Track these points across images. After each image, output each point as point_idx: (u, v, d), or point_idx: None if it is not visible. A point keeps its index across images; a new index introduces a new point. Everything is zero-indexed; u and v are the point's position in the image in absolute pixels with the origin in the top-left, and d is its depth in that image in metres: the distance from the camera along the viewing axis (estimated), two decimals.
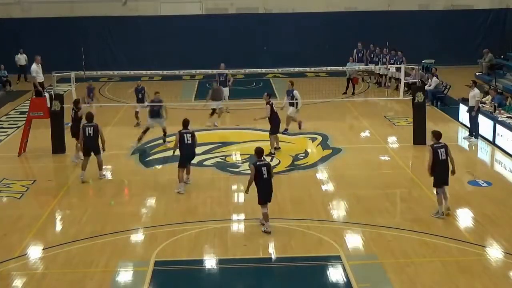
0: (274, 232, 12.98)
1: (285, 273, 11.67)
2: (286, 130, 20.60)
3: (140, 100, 22.22)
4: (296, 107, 20.68)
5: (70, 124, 18.67)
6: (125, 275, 11.55)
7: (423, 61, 30.42)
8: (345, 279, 11.09)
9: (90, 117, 16.65)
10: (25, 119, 20.66)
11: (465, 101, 21.41)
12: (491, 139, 19.58)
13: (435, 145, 13.55)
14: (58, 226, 14.04)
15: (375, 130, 21.64)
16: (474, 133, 20.12)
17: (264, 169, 12.87)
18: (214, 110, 22.32)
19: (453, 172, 13.68)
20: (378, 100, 27.12)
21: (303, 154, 18.91)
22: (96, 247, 12.58)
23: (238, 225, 14.00)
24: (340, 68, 25.41)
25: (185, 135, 15.48)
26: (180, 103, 24.57)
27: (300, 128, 20.49)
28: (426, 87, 23.75)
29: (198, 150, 16.81)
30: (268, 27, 35.30)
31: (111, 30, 35.46)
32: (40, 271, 11.64)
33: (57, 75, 19.71)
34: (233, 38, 34.89)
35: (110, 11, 35.05)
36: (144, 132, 19.70)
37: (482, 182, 16.17)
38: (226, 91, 23.80)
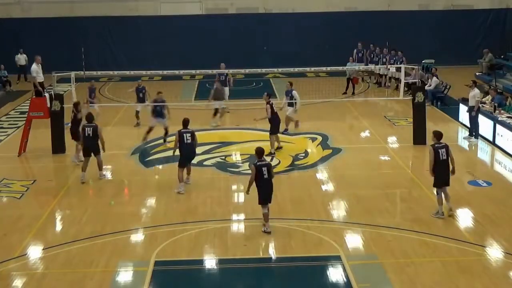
0: (274, 232, 12.98)
1: (285, 273, 11.67)
2: (286, 130, 20.60)
3: (141, 100, 22.24)
4: (295, 107, 20.68)
5: (69, 125, 18.67)
6: (125, 275, 11.55)
7: (423, 61, 30.42)
8: (345, 279, 11.09)
9: (90, 117, 16.65)
10: (25, 119, 20.66)
11: (465, 101, 21.41)
12: (491, 139, 19.58)
13: (436, 145, 13.55)
14: (58, 226, 14.04)
15: (375, 130, 21.64)
16: (474, 133, 20.12)
17: (264, 169, 12.86)
18: (217, 110, 22.33)
19: (453, 172, 13.67)
20: (378, 100, 27.13)
21: (303, 154, 18.91)
22: (96, 247, 12.58)
23: (238, 225, 14.00)
24: (340, 68, 25.42)
25: (184, 134, 15.46)
26: (180, 103, 24.57)
27: (296, 126, 20.48)
28: (426, 87, 23.76)
29: (198, 150, 16.79)
30: (268, 27, 35.30)
31: (111, 30, 35.45)
32: (40, 271, 11.64)
33: (57, 75, 19.71)
34: (233, 38, 34.89)
35: (110, 11, 35.04)
36: (148, 132, 19.88)
37: (482, 182, 16.17)
38: (226, 91, 23.82)
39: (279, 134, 19.12)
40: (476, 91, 19.99)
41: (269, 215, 13.03)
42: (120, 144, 19.85)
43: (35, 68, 20.92)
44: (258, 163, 12.91)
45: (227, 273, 11.64)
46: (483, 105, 20.93)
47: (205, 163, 18.10)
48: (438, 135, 13.70)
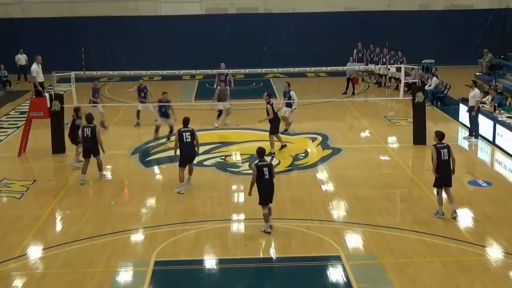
0: (274, 232, 12.98)
1: (285, 273, 11.67)
2: (286, 130, 20.61)
3: (142, 99, 22.23)
4: (292, 108, 20.67)
5: (69, 125, 18.65)
6: (125, 275, 11.55)
7: (423, 61, 30.40)
8: (345, 279, 11.09)
9: (89, 118, 16.62)
10: (25, 119, 20.66)
11: (465, 101, 21.41)
12: (491, 139, 19.57)
13: (438, 145, 13.55)
14: (58, 226, 14.04)
15: (375, 130, 21.64)
16: (474, 133, 20.12)
17: (265, 169, 12.86)
18: (221, 112, 22.32)
19: (453, 172, 13.68)
20: (378, 100, 27.13)
21: (303, 154, 18.91)
22: (96, 247, 12.58)
23: (238, 225, 14.00)
24: (340, 68, 25.41)
25: (183, 133, 15.44)
26: (180, 103, 24.55)
27: (286, 126, 20.47)
28: (426, 87, 23.77)
29: None
30: (268, 27, 35.31)
31: (111, 30, 35.46)
32: (40, 271, 11.64)
33: (57, 75, 19.69)
34: (233, 38, 34.90)
35: (110, 11, 35.05)
36: (156, 130, 20.17)
37: (482, 182, 16.17)
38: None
39: (279, 134, 19.12)
40: (476, 91, 19.99)
41: (270, 215, 13.02)
42: (120, 144, 19.85)
43: (36, 68, 20.90)
44: (259, 164, 12.90)
45: (227, 273, 11.64)
46: (483, 105, 20.93)
47: (205, 163, 18.09)
48: (440, 135, 13.70)
